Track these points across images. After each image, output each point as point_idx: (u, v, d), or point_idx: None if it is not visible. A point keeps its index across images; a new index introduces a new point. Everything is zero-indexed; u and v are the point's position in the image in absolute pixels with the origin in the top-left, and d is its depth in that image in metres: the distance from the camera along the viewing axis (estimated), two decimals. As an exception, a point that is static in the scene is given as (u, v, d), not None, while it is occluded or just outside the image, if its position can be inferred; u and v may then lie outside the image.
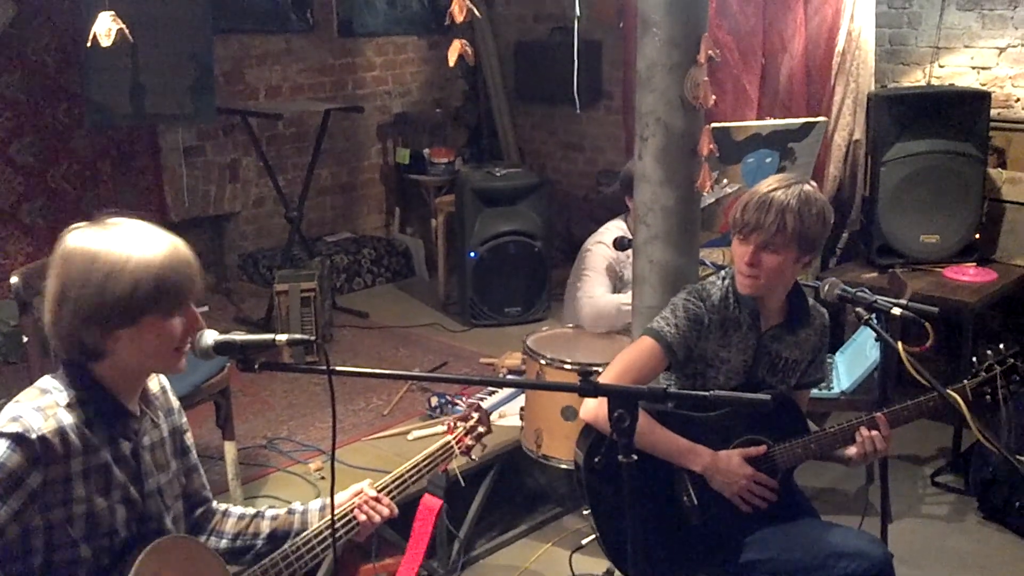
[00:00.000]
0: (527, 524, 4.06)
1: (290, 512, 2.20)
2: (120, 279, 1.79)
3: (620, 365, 2.61)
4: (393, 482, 2.26)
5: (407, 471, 2.31)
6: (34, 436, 1.75)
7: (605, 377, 2.60)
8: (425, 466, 2.36)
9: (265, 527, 2.18)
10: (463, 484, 2.63)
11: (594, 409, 2.59)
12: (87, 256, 1.80)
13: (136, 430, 1.95)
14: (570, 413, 3.48)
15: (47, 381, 1.87)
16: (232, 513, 2.22)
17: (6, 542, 1.75)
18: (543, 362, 3.58)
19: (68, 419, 1.81)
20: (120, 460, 1.90)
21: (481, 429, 2.54)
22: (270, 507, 2.25)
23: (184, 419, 2.14)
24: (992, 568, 3.77)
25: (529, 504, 4.19)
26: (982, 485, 4.11)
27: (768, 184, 2.56)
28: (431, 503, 2.56)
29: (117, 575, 1.84)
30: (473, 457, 2.55)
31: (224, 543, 2.17)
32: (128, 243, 1.82)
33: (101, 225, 1.85)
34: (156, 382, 2.07)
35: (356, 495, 2.21)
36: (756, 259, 2.53)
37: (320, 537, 2.11)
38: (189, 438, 2.15)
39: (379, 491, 2.22)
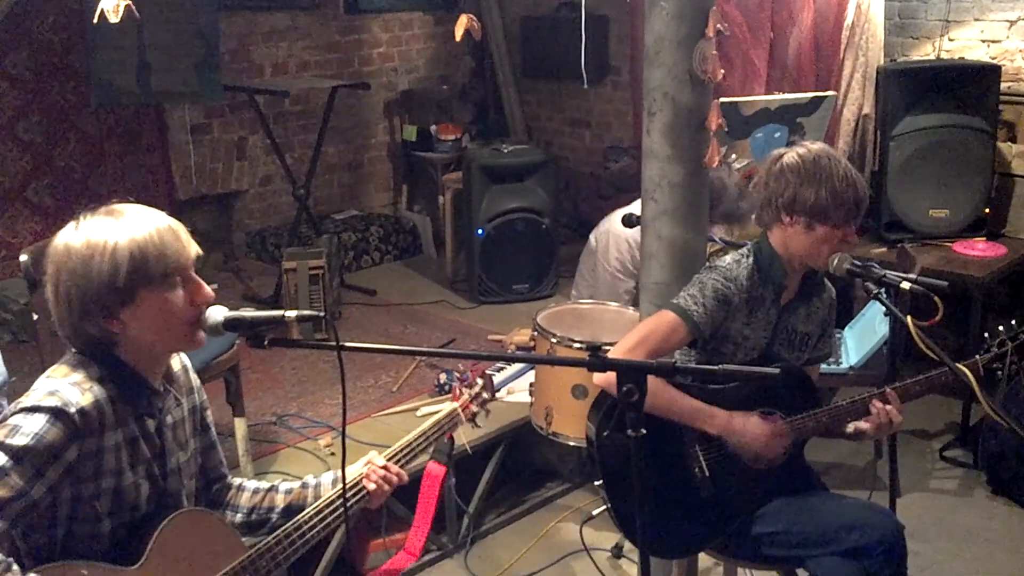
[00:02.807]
0: (536, 499, 4.08)
1: (304, 486, 2.22)
2: (100, 261, 1.80)
3: (638, 336, 2.58)
4: (401, 450, 2.27)
5: (415, 439, 2.32)
6: (73, 410, 1.78)
7: (622, 347, 2.58)
8: (433, 434, 2.37)
9: (280, 501, 2.20)
10: (470, 452, 2.63)
11: (608, 375, 2.57)
12: (68, 250, 1.83)
13: (160, 408, 1.97)
14: (580, 392, 3.48)
15: (75, 357, 1.89)
16: (247, 487, 2.23)
17: (37, 514, 1.77)
18: (553, 340, 3.58)
19: (102, 393, 1.84)
20: (146, 436, 1.93)
21: (486, 395, 2.54)
22: (284, 480, 2.26)
23: (204, 397, 2.16)
24: (1000, 542, 3.79)
25: (538, 480, 4.21)
26: (991, 459, 4.11)
27: (835, 156, 2.57)
28: (435, 470, 2.56)
29: (134, 548, 1.87)
30: (478, 424, 2.55)
31: (239, 517, 2.19)
32: (106, 227, 1.83)
33: (86, 216, 1.87)
34: (177, 361, 2.08)
35: (365, 465, 2.21)
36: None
37: (332, 507, 2.12)
38: (209, 415, 2.17)
39: (388, 459, 2.23)
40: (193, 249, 1.91)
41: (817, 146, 2.62)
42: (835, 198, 2.52)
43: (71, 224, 1.87)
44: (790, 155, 2.60)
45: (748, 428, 2.56)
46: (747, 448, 2.57)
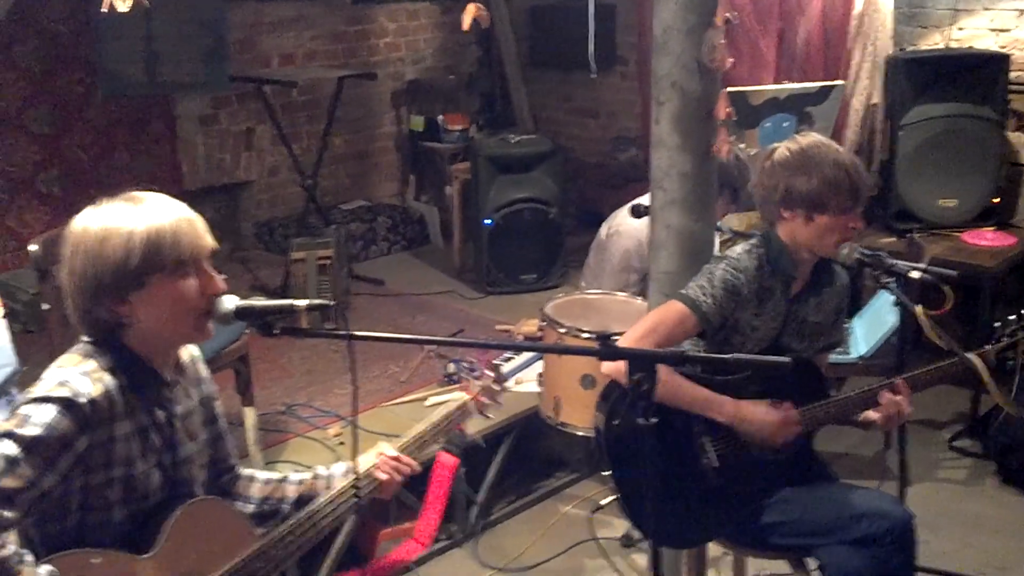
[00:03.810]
0: (545, 489, 4.09)
1: (315, 477, 2.22)
2: (116, 243, 1.81)
3: (646, 326, 2.57)
4: (413, 440, 2.28)
5: (425, 429, 2.32)
6: (83, 400, 1.78)
7: (630, 337, 2.57)
8: (443, 424, 2.37)
9: (291, 492, 2.20)
10: (483, 446, 2.64)
11: (616, 364, 2.57)
12: (85, 231, 1.85)
13: (170, 398, 1.98)
14: (588, 382, 3.48)
15: (85, 347, 1.89)
16: (258, 478, 2.23)
17: (49, 503, 1.78)
18: (562, 330, 3.58)
19: (112, 383, 1.85)
20: (156, 426, 1.94)
21: (496, 388, 2.55)
22: (295, 471, 2.27)
23: (214, 387, 2.16)
24: (1009, 531, 3.78)
25: (546, 469, 4.21)
26: (1000, 449, 4.10)
27: (827, 144, 2.56)
28: (447, 461, 2.56)
29: (147, 537, 1.87)
30: (489, 416, 2.56)
31: (251, 508, 2.19)
32: (125, 212, 1.85)
33: (103, 202, 1.88)
34: (187, 352, 2.08)
35: (377, 456, 2.22)
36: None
37: (345, 497, 2.12)
38: (218, 406, 2.17)
39: (399, 450, 2.23)
40: (209, 241, 1.92)
41: (808, 138, 2.61)
42: (828, 185, 2.50)
43: (90, 207, 1.88)
44: (780, 150, 2.61)
45: (758, 416, 2.55)
46: (757, 435, 2.56)
